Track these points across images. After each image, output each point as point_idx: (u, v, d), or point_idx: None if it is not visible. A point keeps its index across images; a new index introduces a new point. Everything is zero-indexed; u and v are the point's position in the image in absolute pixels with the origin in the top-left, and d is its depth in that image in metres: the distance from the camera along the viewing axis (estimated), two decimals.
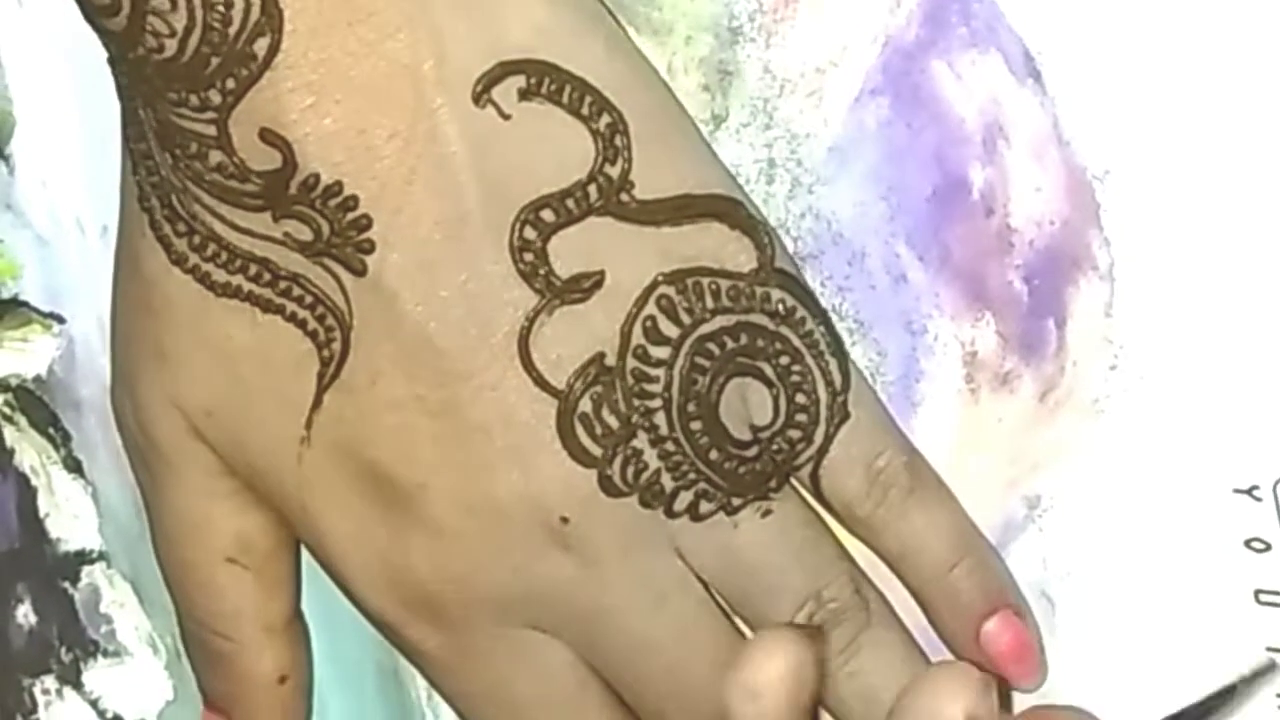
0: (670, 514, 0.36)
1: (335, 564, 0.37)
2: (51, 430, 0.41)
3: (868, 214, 0.37)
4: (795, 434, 0.36)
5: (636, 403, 0.35)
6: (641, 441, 0.35)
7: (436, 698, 0.41)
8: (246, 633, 0.38)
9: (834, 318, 0.38)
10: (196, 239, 0.35)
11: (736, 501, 0.36)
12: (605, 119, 0.35)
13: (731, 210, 0.36)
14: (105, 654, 0.41)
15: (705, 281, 0.35)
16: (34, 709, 0.41)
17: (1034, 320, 0.37)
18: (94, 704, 0.41)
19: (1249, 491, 0.36)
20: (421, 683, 0.41)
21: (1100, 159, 0.36)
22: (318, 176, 0.34)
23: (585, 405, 0.35)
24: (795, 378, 0.36)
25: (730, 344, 0.36)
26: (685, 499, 0.36)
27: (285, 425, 0.36)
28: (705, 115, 0.37)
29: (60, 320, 0.41)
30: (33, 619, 0.41)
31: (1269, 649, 0.37)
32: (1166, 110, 0.35)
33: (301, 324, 0.35)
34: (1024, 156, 0.36)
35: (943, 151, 0.37)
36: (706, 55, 0.37)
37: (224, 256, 0.35)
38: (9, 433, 0.41)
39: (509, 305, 0.34)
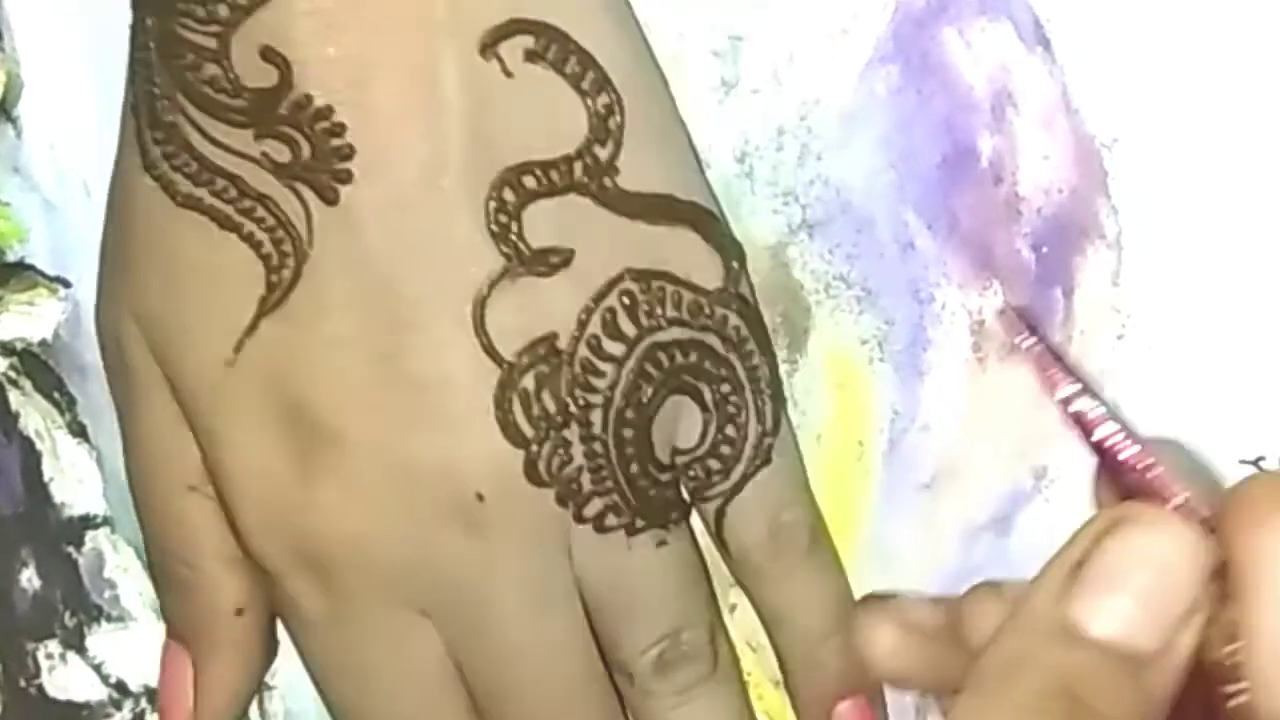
0: (579, 518, 0.35)
1: (231, 496, 0.36)
2: (56, 394, 0.41)
3: (877, 181, 0.37)
4: (715, 465, 0.37)
5: (578, 394, 0.35)
6: (573, 434, 0.35)
7: None
8: (206, 563, 0.38)
9: (842, 285, 0.38)
10: (170, 147, 0.35)
11: (639, 524, 0.36)
12: (604, 98, 0.35)
13: (709, 224, 0.36)
14: (109, 619, 0.41)
15: (669, 289, 0.35)
16: (37, 673, 0.41)
17: (1042, 289, 0.37)
18: (97, 668, 0.41)
19: (1255, 462, 0.37)
20: None
21: (1108, 127, 0.36)
22: (310, 98, 0.33)
23: (527, 382, 0.34)
24: (731, 409, 0.36)
25: (680, 359, 0.36)
26: (596, 506, 0.36)
27: (215, 345, 0.35)
28: (715, 81, 0.38)
29: (66, 284, 0.40)
30: (37, 583, 0.41)
31: None
32: (1174, 79, 0.35)
33: (257, 245, 0.34)
34: (1033, 125, 0.36)
35: (952, 119, 0.37)
36: (717, 21, 0.37)
37: (193, 167, 0.35)
38: (14, 397, 0.41)
39: (473, 263, 0.34)
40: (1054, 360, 0.31)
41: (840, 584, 0.38)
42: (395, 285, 0.34)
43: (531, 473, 0.35)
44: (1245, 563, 0.28)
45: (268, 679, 0.40)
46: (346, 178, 0.34)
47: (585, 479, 0.35)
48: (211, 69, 0.34)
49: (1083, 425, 0.31)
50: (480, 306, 0.34)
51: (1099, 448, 0.31)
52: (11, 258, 0.41)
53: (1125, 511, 0.29)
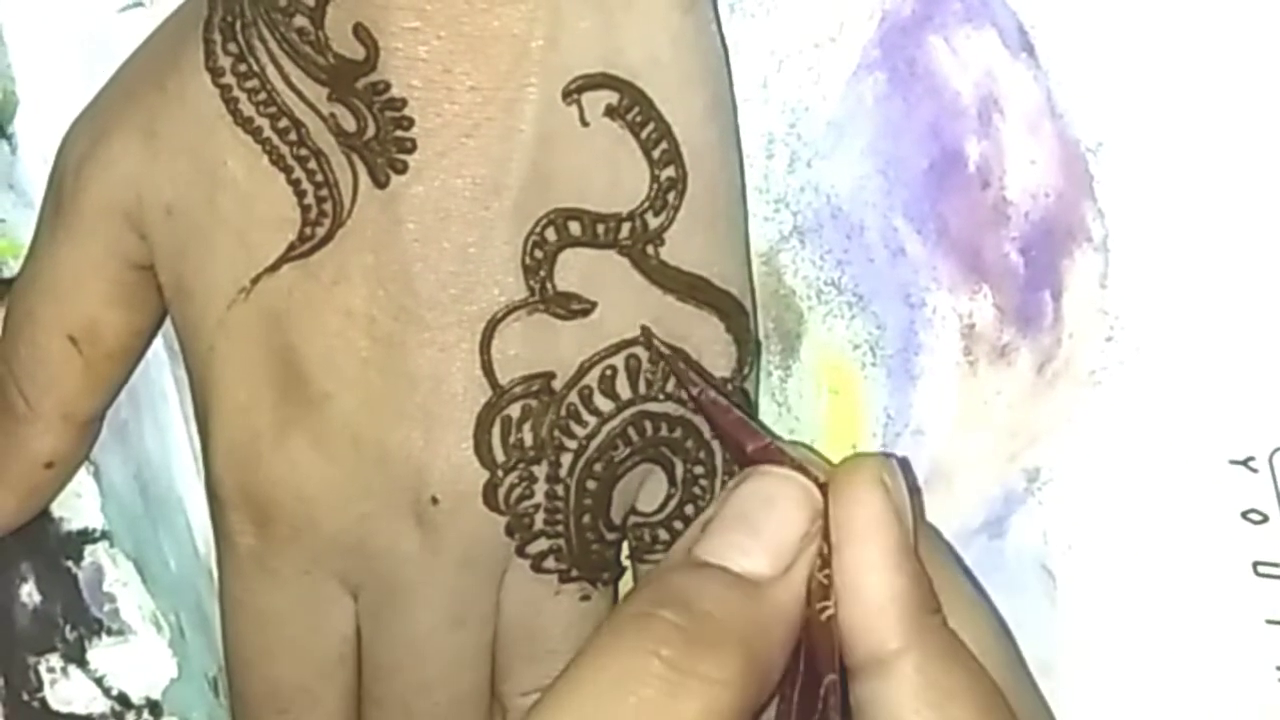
0: (521, 552, 0.37)
1: (210, 415, 0.37)
2: None
3: (865, 188, 0.38)
4: (664, 535, 0.38)
5: (556, 435, 0.36)
6: (540, 471, 0.36)
7: None
8: (45, 407, 0.39)
9: (833, 291, 0.39)
10: (243, 66, 0.36)
11: (573, 573, 0.37)
12: (670, 172, 0.35)
13: (735, 316, 0.37)
14: (109, 632, 0.42)
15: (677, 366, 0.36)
16: (40, 687, 0.42)
17: (1030, 292, 0.38)
18: (99, 681, 0.42)
19: (1245, 463, 0.37)
20: None
21: (1093, 132, 0.37)
22: (388, 85, 0.34)
23: (513, 410, 0.36)
24: (698, 489, 0.38)
25: (664, 431, 0.37)
26: (540, 546, 0.37)
27: (235, 266, 0.36)
28: None
29: None
30: (37, 598, 0.42)
31: (1268, 621, 0.38)
32: (1159, 83, 0.36)
33: (301, 193, 0.36)
34: (1018, 130, 0.37)
35: (939, 125, 0.38)
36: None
37: (261, 96, 0.36)
38: None
39: (497, 287, 0.35)
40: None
41: None
42: (416, 281, 0.35)
43: (490, 496, 0.36)
44: (839, 517, 0.33)
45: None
46: (401, 168, 0.35)
47: (539, 517, 0.36)
48: (302, 20, 0.35)
49: (710, 415, 0.36)
50: (491, 328, 0.35)
51: (722, 430, 0.36)
52: (7, 273, 0.42)
53: (746, 471, 0.34)
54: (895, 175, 0.38)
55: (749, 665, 0.31)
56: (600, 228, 0.35)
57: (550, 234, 0.35)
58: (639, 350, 0.36)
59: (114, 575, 0.42)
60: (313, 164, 0.36)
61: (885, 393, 0.39)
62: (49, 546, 0.42)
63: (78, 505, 0.42)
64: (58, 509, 0.42)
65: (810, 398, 0.40)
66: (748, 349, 0.37)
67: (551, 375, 0.36)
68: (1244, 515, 0.38)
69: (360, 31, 0.34)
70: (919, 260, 0.39)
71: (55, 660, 0.42)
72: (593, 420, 0.36)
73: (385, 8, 0.34)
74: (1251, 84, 0.36)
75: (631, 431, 0.37)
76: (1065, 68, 0.37)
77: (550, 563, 0.37)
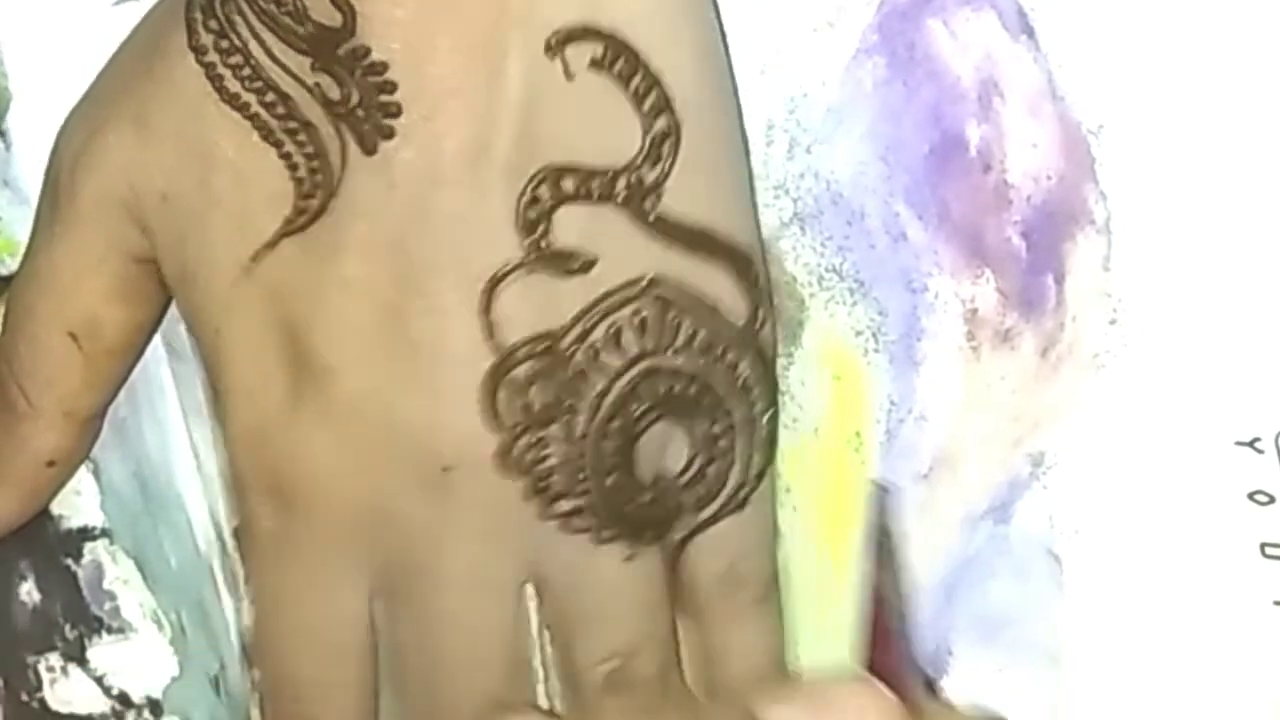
0: (545, 514, 0.36)
1: (222, 399, 0.37)
2: None
3: (866, 173, 0.39)
4: (688, 499, 0.37)
5: (565, 396, 0.36)
6: (554, 433, 0.36)
7: None
8: (45, 404, 0.39)
9: (835, 278, 0.40)
10: (225, 43, 0.36)
11: (607, 533, 0.37)
12: (662, 122, 0.35)
13: (745, 266, 0.37)
14: (109, 631, 0.42)
15: (686, 320, 0.36)
16: (39, 686, 0.42)
17: (1033, 276, 0.39)
18: (99, 680, 0.42)
19: (1251, 444, 0.38)
20: None
21: (1095, 114, 0.37)
22: (368, 50, 0.34)
23: (519, 373, 0.35)
24: (719, 449, 0.37)
25: (678, 388, 0.37)
26: (565, 506, 0.36)
27: (234, 246, 0.36)
28: None
29: None
30: (36, 596, 0.42)
31: (1275, 602, 0.38)
32: (1160, 64, 0.37)
33: (293, 166, 0.36)
34: (1019, 113, 0.38)
35: (939, 109, 0.38)
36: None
37: (246, 71, 0.36)
38: None
39: (494, 248, 0.35)
40: None
41: (778, 644, 0.39)
42: (412, 248, 0.35)
43: (503, 461, 0.36)
44: None
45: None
46: (389, 133, 0.35)
47: (557, 479, 0.36)
48: None
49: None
50: (490, 289, 0.35)
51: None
52: (4, 271, 0.42)
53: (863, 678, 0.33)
54: (896, 160, 0.39)
55: None
56: (595, 183, 0.35)
57: (544, 191, 0.35)
58: (645, 305, 0.36)
59: (114, 573, 0.42)
60: (302, 136, 0.36)
61: (888, 379, 0.40)
62: (48, 544, 0.42)
63: (77, 503, 0.42)
64: (57, 506, 0.42)
65: (813, 385, 0.40)
66: (760, 300, 0.37)
67: (556, 335, 0.36)
68: (1250, 497, 0.38)
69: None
70: (920, 245, 0.39)
71: (55, 659, 0.42)
72: (602, 378, 0.36)
73: None
74: (1253, 65, 0.36)
75: (643, 388, 0.36)
76: (1066, 49, 0.37)
77: (579, 521, 0.36)
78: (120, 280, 0.38)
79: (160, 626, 0.42)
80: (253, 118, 0.36)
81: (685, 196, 0.36)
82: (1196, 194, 0.37)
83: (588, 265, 0.36)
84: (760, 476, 0.38)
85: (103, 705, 0.43)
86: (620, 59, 0.35)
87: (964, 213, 0.39)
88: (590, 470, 0.36)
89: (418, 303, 0.35)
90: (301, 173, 0.36)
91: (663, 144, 0.35)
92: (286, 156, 0.36)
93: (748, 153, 0.38)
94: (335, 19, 0.35)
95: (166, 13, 0.37)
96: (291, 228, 0.36)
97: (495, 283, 0.35)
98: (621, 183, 0.35)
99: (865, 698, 0.31)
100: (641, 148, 0.35)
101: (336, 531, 0.37)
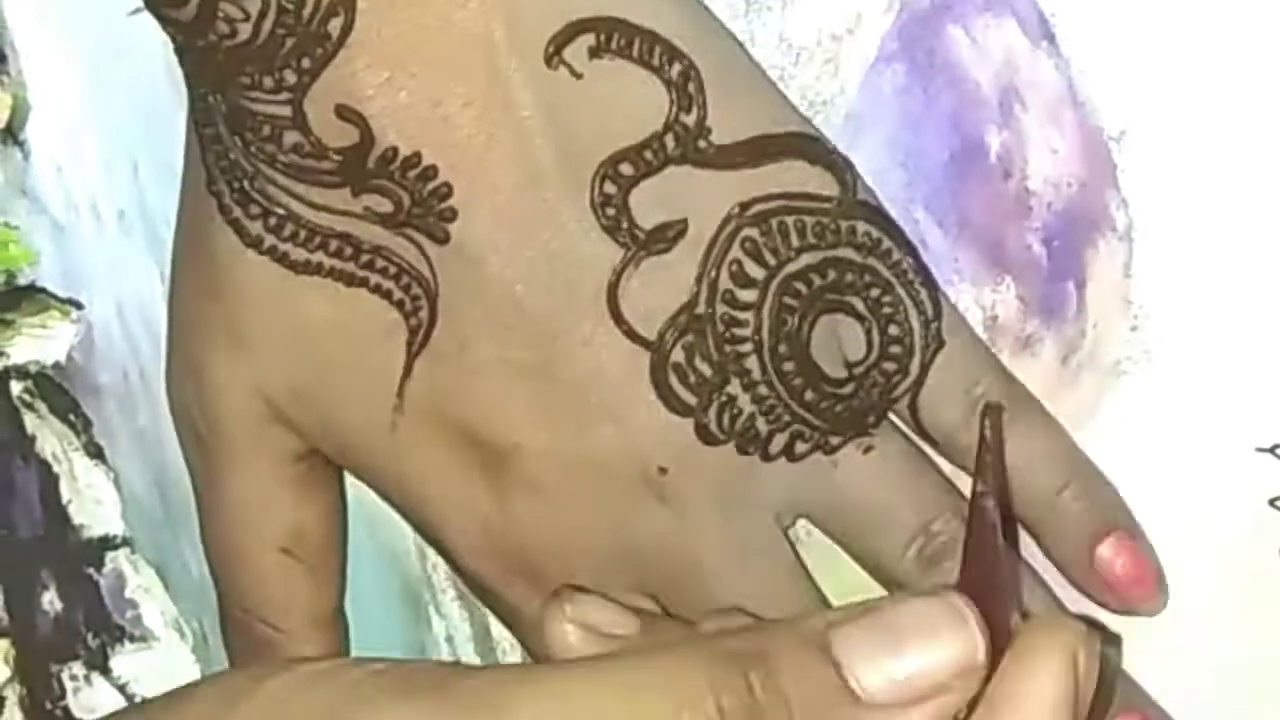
0: (766, 457, 0.37)
1: (436, 530, 0.38)
2: (72, 417, 0.42)
3: (886, 180, 0.39)
4: (891, 366, 0.38)
5: (728, 349, 0.36)
6: (735, 388, 0.36)
7: None
8: (295, 623, 0.39)
9: None
10: (272, 220, 0.36)
11: (834, 440, 0.37)
12: (677, 67, 0.36)
13: (809, 146, 0.37)
14: (132, 639, 0.43)
15: (790, 220, 0.37)
16: (62, 694, 0.43)
17: (1054, 283, 0.39)
18: (122, 689, 0.43)
19: (1272, 450, 0.38)
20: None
21: (1116, 120, 0.38)
22: (396, 149, 0.35)
23: (678, 355, 0.36)
24: (887, 309, 0.37)
25: (818, 281, 0.37)
26: (780, 441, 0.37)
27: (376, 397, 0.37)
28: None
29: (78, 306, 0.42)
30: (59, 606, 0.43)
31: None
32: (1180, 70, 0.37)
33: (387, 295, 0.36)
34: (1040, 119, 0.38)
35: (959, 116, 0.38)
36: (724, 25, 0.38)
37: (302, 235, 0.36)
38: (29, 420, 0.42)
39: (594, 261, 0.36)
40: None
41: (1054, 432, 0.39)
42: (525, 302, 0.36)
43: (705, 435, 0.36)
44: (1010, 676, 0.30)
45: None
46: (451, 216, 0.35)
47: (761, 423, 0.37)
48: (293, 136, 0.35)
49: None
50: (613, 298, 0.36)
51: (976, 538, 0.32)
52: (22, 281, 0.42)
53: (933, 590, 0.31)
54: (916, 167, 0.39)
55: None
56: (648, 154, 0.36)
57: (609, 188, 0.36)
58: (748, 230, 0.36)
59: (136, 582, 0.43)
60: (380, 262, 0.36)
61: None
62: (70, 554, 0.43)
63: (98, 512, 0.43)
64: (78, 516, 0.43)
65: None
66: (840, 166, 0.37)
67: (690, 304, 0.36)
68: (1271, 503, 0.38)
69: (343, 112, 0.35)
70: (941, 252, 0.39)
71: (78, 668, 0.43)
72: (749, 315, 0.36)
73: (352, 75, 0.34)
74: (1274, 72, 0.36)
75: (789, 300, 0.37)
76: (1086, 55, 0.37)
77: (801, 446, 0.37)
78: (299, 482, 0.39)
79: (182, 635, 0.42)
80: (330, 273, 0.36)
81: (729, 120, 0.36)
82: (1217, 200, 0.37)
83: (682, 229, 0.36)
84: (938, 306, 0.38)
85: None
86: (615, 35, 0.36)
87: (984, 219, 0.39)
88: (785, 399, 0.37)
89: (554, 350, 0.36)
90: (398, 296, 0.36)
91: (687, 85, 0.36)
92: (378, 289, 0.36)
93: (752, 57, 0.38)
94: (352, 135, 0.35)
95: (204, 231, 0.37)
96: (417, 348, 0.37)
97: (613, 291, 0.36)
98: (670, 140, 0.36)
99: (936, 614, 0.30)
100: (671, 99, 0.36)
101: (600, 579, 0.37)
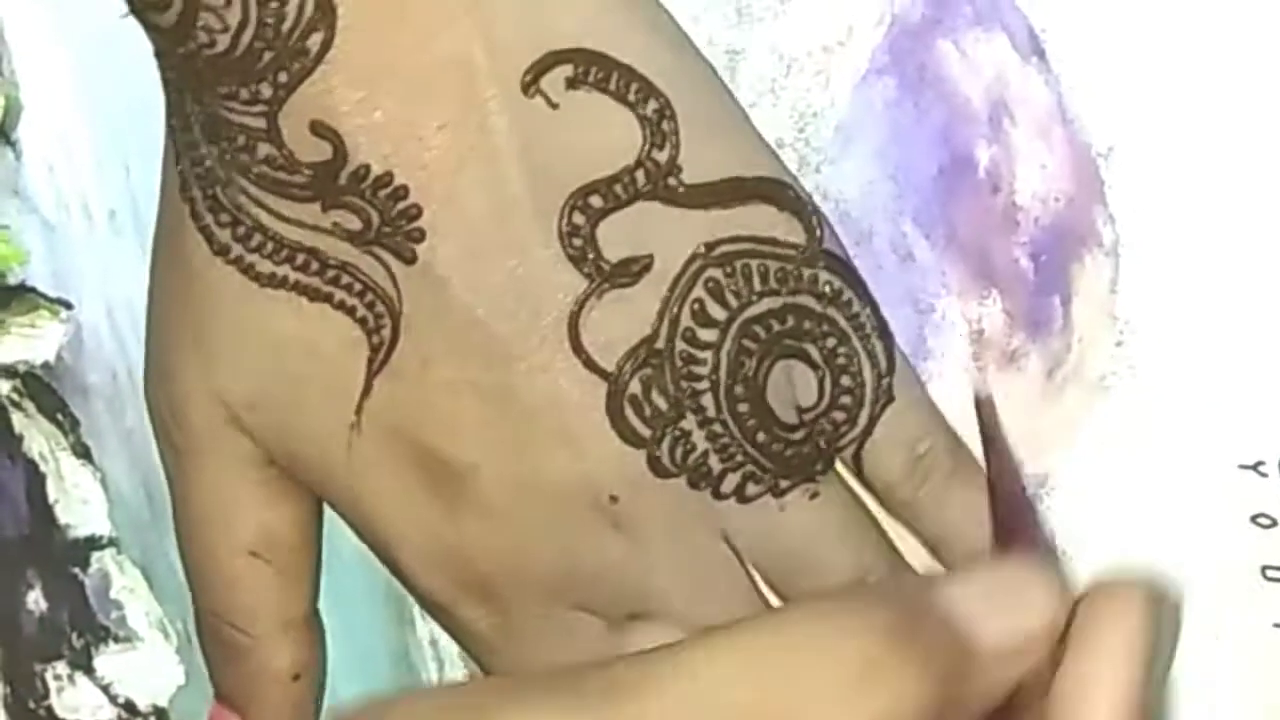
0: (717, 495, 0.37)
1: (388, 547, 0.38)
2: (60, 416, 0.43)
3: (874, 193, 0.39)
4: (840, 416, 0.38)
5: (685, 385, 0.37)
6: (690, 423, 0.37)
7: (447, 680, 0.43)
8: (264, 628, 0.39)
9: None
10: (241, 229, 0.36)
11: (784, 484, 0.38)
12: (652, 105, 0.36)
13: (778, 192, 0.37)
14: (116, 639, 0.43)
15: (754, 264, 0.37)
16: (46, 694, 0.43)
17: (1040, 297, 0.39)
18: (105, 689, 0.43)
19: (1255, 467, 0.38)
20: (433, 666, 0.43)
21: (1104, 136, 0.38)
22: (368, 168, 0.35)
23: (634, 387, 0.36)
24: (841, 360, 0.38)
25: (777, 326, 0.37)
26: (733, 481, 0.37)
27: (334, 413, 0.37)
28: None
29: (68, 306, 0.42)
30: (43, 605, 0.43)
31: (1276, 625, 0.39)
32: (1170, 87, 0.37)
33: (350, 311, 0.36)
34: (1029, 134, 0.38)
35: (949, 130, 0.39)
36: (713, 36, 0.38)
37: (270, 247, 0.36)
38: (17, 419, 0.43)
39: (558, 290, 0.36)
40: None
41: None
42: (488, 326, 0.36)
43: (656, 467, 0.37)
44: (1089, 618, 0.31)
45: None
46: (420, 236, 0.36)
47: (713, 460, 0.37)
48: (266, 148, 0.35)
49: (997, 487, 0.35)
50: (574, 328, 0.36)
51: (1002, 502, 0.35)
52: (12, 280, 0.42)
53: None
54: (904, 180, 0.39)
55: (926, 697, 0.29)
56: (618, 188, 0.36)
57: (578, 218, 0.36)
58: (712, 271, 0.37)
59: (121, 582, 0.43)
60: (345, 279, 0.36)
61: None
62: (55, 554, 0.43)
63: (84, 512, 0.43)
64: (64, 515, 0.43)
65: None
66: (808, 213, 0.38)
67: (651, 338, 0.36)
68: (1253, 520, 0.38)
69: (318, 128, 0.35)
70: (928, 265, 0.39)
71: (62, 668, 0.43)
72: (708, 354, 0.37)
73: (329, 91, 0.34)
74: (1263, 88, 0.37)
75: (747, 343, 0.37)
76: (1076, 71, 0.38)
77: (753, 488, 0.37)
78: (267, 486, 0.39)
79: (166, 635, 0.42)
80: (295, 286, 0.37)
81: (700, 160, 0.37)
82: (1204, 217, 0.37)
83: (647, 264, 0.36)
84: (892, 361, 0.38)
85: (109, 713, 0.43)
86: (592, 68, 0.36)
87: (972, 233, 0.39)
88: (738, 439, 0.37)
89: (514, 374, 0.36)
90: (361, 313, 0.36)
91: (660, 124, 0.36)
92: (341, 305, 0.37)
93: (733, 96, 0.38)
94: (325, 151, 0.35)
95: (178, 237, 0.37)
96: (377, 366, 0.37)
97: (574, 320, 0.36)
98: (641, 175, 0.36)
99: (1032, 574, 0.31)
100: (644, 135, 0.36)
101: (550, 598, 0.38)
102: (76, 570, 0.43)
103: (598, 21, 0.36)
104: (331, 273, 0.36)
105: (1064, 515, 0.39)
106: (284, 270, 0.36)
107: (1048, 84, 0.38)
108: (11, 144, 0.42)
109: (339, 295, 0.36)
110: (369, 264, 0.36)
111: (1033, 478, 0.39)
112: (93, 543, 0.43)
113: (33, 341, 0.42)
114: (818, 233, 0.38)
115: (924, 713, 0.29)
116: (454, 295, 0.36)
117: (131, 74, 0.37)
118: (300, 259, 0.36)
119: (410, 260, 0.36)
